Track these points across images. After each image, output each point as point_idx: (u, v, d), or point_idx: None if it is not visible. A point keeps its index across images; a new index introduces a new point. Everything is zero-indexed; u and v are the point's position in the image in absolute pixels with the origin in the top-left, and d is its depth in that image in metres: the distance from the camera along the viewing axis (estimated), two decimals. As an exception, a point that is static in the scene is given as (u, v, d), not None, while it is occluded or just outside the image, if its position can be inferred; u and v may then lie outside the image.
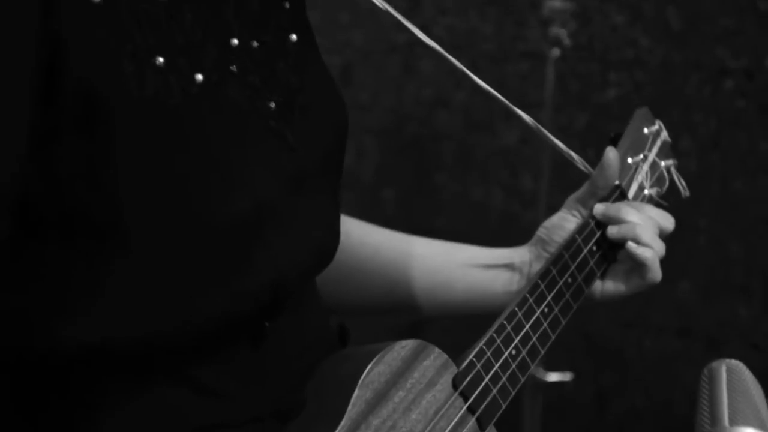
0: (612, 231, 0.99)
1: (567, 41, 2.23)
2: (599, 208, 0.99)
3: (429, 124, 3.11)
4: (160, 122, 0.72)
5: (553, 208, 2.71)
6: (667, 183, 1.13)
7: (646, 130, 1.12)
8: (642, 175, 1.08)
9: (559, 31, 2.23)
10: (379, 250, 1.03)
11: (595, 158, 2.94)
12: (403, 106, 3.09)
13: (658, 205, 1.09)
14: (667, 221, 1.01)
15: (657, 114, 2.86)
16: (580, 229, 1.00)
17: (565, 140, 2.91)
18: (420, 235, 3.11)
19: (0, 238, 0.67)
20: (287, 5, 0.88)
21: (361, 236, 1.02)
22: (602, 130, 2.94)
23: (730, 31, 2.83)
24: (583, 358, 2.93)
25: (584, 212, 1.01)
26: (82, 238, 0.71)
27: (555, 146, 1.02)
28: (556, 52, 2.26)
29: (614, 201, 1.03)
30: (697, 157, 2.92)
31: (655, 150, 1.12)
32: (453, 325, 2.51)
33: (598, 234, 1.01)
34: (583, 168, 1.04)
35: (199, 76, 0.76)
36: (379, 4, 0.89)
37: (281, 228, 0.80)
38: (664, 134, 1.14)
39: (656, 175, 1.11)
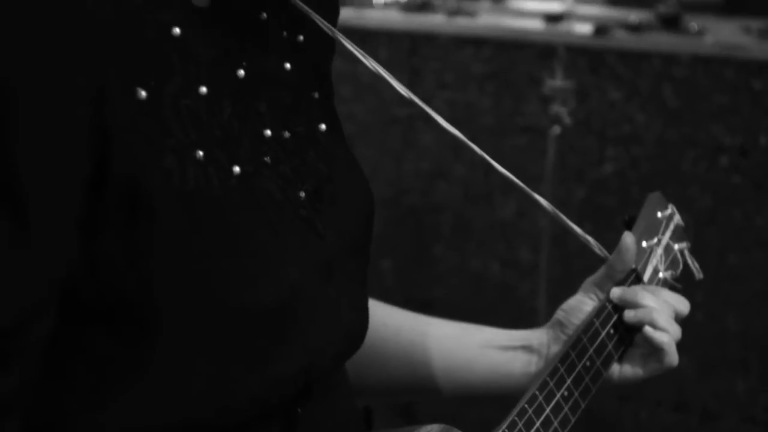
0: (629, 315, 1.00)
1: (567, 119, 2.27)
2: (616, 293, 1.01)
3: (428, 195, 3.14)
4: (200, 213, 0.74)
5: (552, 280, 2.76)
6: (681, 266, 1.15)
7: (659, 214, 1.14)
8: (657, 258, 1.10)
9: (560, 110, 2.27)
10: (400, 332, 1.04)
11: (592, 232, 2.96)
12: (403, 178, 3.12)
13: (672, 288, 1.11)
14: (683, 305, 1.03)
15: (653, 189, 2.90)
16: (598, 312, 1.02)
17: (563, 214, 2.94)
18: (418, 306, 3.12)
19: (46, 326, 0.68)
20: (316, 95, 0.91)
21: (383, 317, 1.03)
22: (599, 204, 2.99)
23: (725, 109, 2.88)
24: (580, 430, 2.93)
25: (601, 295, 1.03)
26: (120, 325, 0.72)
27: (571, 230, 1.04)
28: (556, 129, 2.30)
29: (630, 284, 1.04)
30: (693, 232, 2.95)
31: (668, 233, 1.14)
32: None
33: (615, 317, 1.02)
34: (599, 252, 1.06)
35: (237, 168, 0.77)
36: (383, 74, 0.91)
37: (313, 314, 0.81)
38: (677, 218, 1.16)
39: (670, 258, 1.13)
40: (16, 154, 0.64)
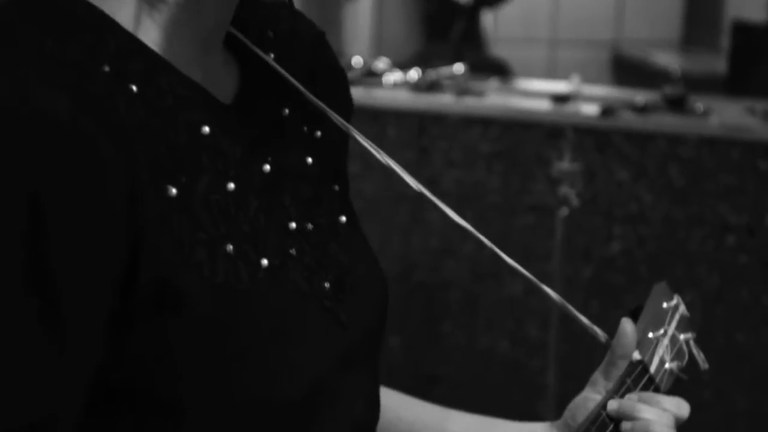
0: (626, 427, 0.99)
1: (575, 201, 2.30)
2: (613, 406, 0.99)
3: (436, 272, 3.15)
4: (228, 306, 0.75)
5: (561, 357, 2.76)
6: (687, 356, 1.15)
7: (665, 305, 1.15)
8: (663, 349, 1.11)
9: (568, 191, 2.30)
10: (414, 425, 1.05)
11: (599, 310, 2.98)
12: (411, 255, 3.14)
13: (678, 379, 1.11)
14: (682, 410, 1.02)
15: (661, 268, 2.92)
16: (593, 420, 1.00)
17: (571, 292, 2.96)
18: (426, 382, 3.12)
19: (73, 422, 0.70)
20: (336, 188, 0.93)
21: (397, 410, 1.03)
22: (607, 282, 3.01)
23: (731, 188, 2.91)
24: None
25: (608, 386, 1.03)
26: (144, 415, 0.73)
27: (575, 317, 1.05)
28: (564, 211, 2.32)
29: (637, 376, 1.04)
30: (700, 311, 2.96)
31: (674, 324, 1.16)
32: None
33: (611, 426, 1.01)
34: (601, 339, 1.07)
35: (264, 261, 0.79)
36: (393, 166, 0.94)
37: (330, 405, 0.82)
38: (683, 308, 1.18)
39: (676, 348, 1.14)
40: (50, 261, 0.65)
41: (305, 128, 0.91)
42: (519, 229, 3.06)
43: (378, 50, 5.71)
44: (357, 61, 3.29)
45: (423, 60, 5.24)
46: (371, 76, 3.23)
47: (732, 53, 4.03)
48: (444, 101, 3.11)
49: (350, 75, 3.15)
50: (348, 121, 0.99)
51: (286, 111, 0.89)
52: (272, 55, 0.90)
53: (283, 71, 0.89)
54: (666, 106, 3.02)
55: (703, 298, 2.97)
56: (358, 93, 3.12)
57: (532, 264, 3.08)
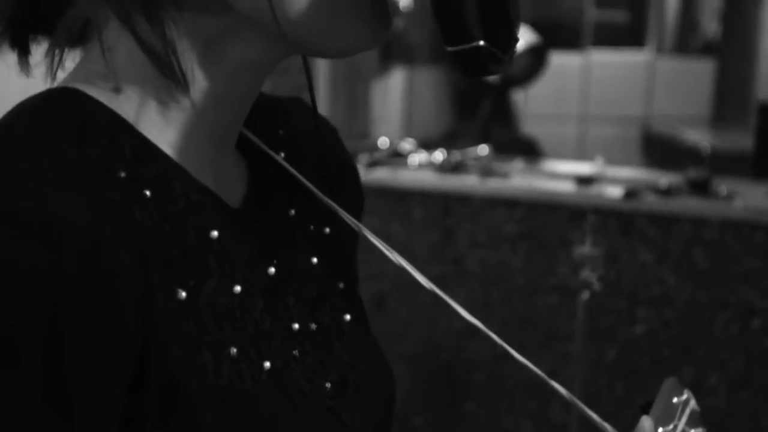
0: None
1: (597, 285, 2.31)
2: None
3: (460, 353, 3.16)
4: (232, 407, 0.77)
5: (583, 442, 2.74)
6: (696, 451, 1.16)
7: (675, 400, 1.16)
8: (673, 444, 1.12)
9: (589, 275, 2.31)
10: None
11: (623, 393, 2.96)
12: (435, 335, 3.15)
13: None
14: None
15: (685, 350, 2.91)
16: None
17: (594, 373, 2.95)
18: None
19: None
20: (341, 285, 0.94)
21: None
22: (631, 365, 3.00)
23: (755, 272, 2.90)
24: None
25: None
26: None
27: (589, 418, 1.06)
28: (585, 294, 2.33)
29: (648, 472, 1.05)
30: (725, 395, 2.94)
31: (684, 419, 1.16)
32: None
33: None
34: (616, 438, 1.07)
35: (267, 363, 0.79)
36: (407, 267, 0.95)
37: None
38: (693, 403, 1.18)
39: (687, 444, 1.14)
40: (65, 366, 0.67)
41: (312, 227, 0.92)
42: (542, 309, 3.07)
43: (408, 129, 5.78)
44: (383, 141, 3.33)
45: (452, 138, 5.30)
46: (397, 156, 3.27)
47: (758, 134, 4.05)
48: (469, 182, 3.14)
49: (376, 155, 3.21)
50: (359, 215, 1.00)
51: (293, 212, 0.90)
52: (282, 154, 0.92)
53: (293, 171, 0.91)
54: (690, 188, 3.03)
55: (728, 382, 2.96)
56: (384, 174, 3.18)
57: (555, 345, 3.09)
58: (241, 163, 0.88)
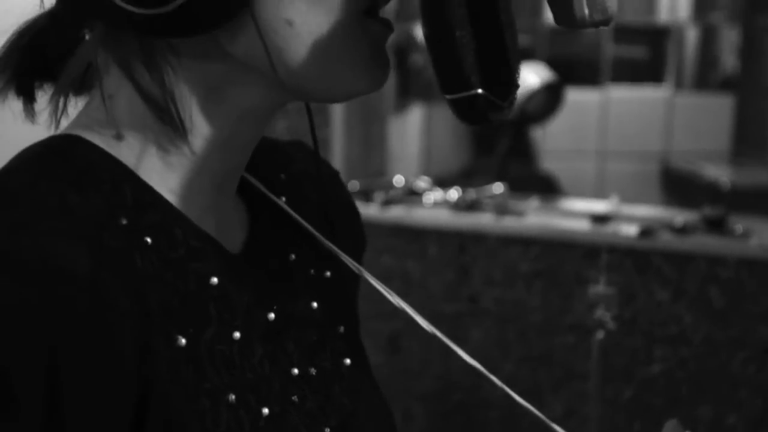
0: None
1: (611, 324, 2.30)
2: None
3: (475, 391, 3.15)
4: None
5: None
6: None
7: (677, 443, 1.16)
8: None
9: (604, 314, 2.30)
10: None
11: (641, 431, 2.93)
12: (450, 374, 3.15)
13: None
14: None
15: (702, 389, 2.89)
16: None
17: (611, 413, 2.93)
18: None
19: None
20: (342, 329, 0.93)
21: None
22: (648, 404, 2.98)
23: (772, 310, 2.89)
24: None
25: None
26: None
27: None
28: (600, 334, 2.33)
29: None
30: (743, 435, 2.92)
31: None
32: None
33: None
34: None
35: (266, 410, 0.79)
36: (408, 310, 0.95)
37: None
38: (695, 449, 1.18)
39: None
40: (64, 413, 0.67)
41: (313, 271, 0.92)
42: (558, 348, 3.06)
43: (426, 165, 5.79)
44: (398, 180, 3.34)
45: (470, 175, 5.31)
46: (412, 194, 3.28)
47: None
48: (484, 220, 3.14)
49: (391, 194, 3.22)
50: (360, 257, 1.00)
51: (293, 256, 0.90)
52: (283, 198, 0.92)
53: (295, 215, 0.91)
54: (706, 226, 3.02)
55: (746, 421, 2.93)
56: (399, 212, 3.19)
57: (571, 384, 3.07)
58: (242, 207, 0.89)
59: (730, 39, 6.28)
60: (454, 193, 3.27)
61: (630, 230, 3.00)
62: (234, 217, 0.87)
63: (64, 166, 0.72)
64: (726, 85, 6.24)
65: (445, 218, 3.17)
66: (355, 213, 1.04)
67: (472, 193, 3.26)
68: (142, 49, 0.73)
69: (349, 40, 0.72)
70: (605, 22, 0.66)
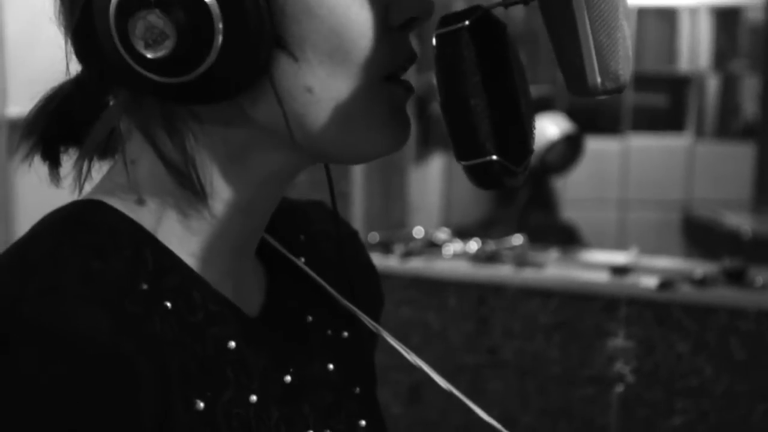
0: None
1: (630, 378, 2.30)
2: None
3: (496, 443, 3.14)
4: None
5: None
6: None
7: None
8: None
9: (623, 368, 2.31)
10: None
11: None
12: (471, 425, 3.14)
13: None
14: None
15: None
16: None
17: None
18: None
19: None
20: (357, 390, 0.94)
21: None
22: (670, 457, 2.96)
23: (793, 363, 2.88)
24: None
25: None
26: None
27: None
28: (620, 387, 2.33)
29: None
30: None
31: None
32: None
33: None
34: None
35: None
36: (424, 368, 0.95)
37: None
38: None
39: None
40: None
41: (330, 332, 0.93)
42: (578, 400, 3.05)
43: (446, 215, 5.81)
44: (418, 231, 3.36)
45: (491, 225, 5.32)
46: (432, 246, 3.30)
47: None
48: (503, 272, 3.15)
49: (411, 246, 3.24)
50: (378, 317, 1.01)
51: (310, 318, 0.91)
52: (302, 259, 0.93)
53: (314, 276, 0.92)
54: (725, 278, 3.02)
55: (768, 474, 2.91)
56: (419, 264, 3.20)
57: (592, 437, 3.06)
58: (260, 269, 0.89)
59: (750, 87, 6.29)
60: (473, 245, 3.29)
61: (650, 282, 3.00)
62: (253, 279, 0.88)
63: (86, 232, 0.73)
64: (747, 133, 6.24)
65: (465, 270, 3.18)
66: (374, 273, 1.04)
67: (491, 245, 3.27)
68: (164, 115, 0.74)
69: (369, 105, 0.73)
70: (618, 90, 0.67)
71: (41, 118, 0.79)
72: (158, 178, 0.76)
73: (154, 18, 0.67)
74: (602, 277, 3.08)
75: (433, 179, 5.77)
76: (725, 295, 2.95)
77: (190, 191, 0.76)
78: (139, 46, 0.68)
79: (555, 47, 0.69)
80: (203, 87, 0.69)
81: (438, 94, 0.71)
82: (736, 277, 3.01)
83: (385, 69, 0.73)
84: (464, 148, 0.69)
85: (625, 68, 0.67)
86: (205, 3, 0.66)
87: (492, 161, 0.69)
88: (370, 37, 0.71)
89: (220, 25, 0.67)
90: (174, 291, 0.75)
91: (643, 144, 6.26)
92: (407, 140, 0.77)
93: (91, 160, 0.79)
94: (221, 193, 0.77)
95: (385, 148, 0.76)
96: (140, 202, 0.77)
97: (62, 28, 0.76)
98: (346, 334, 0.94)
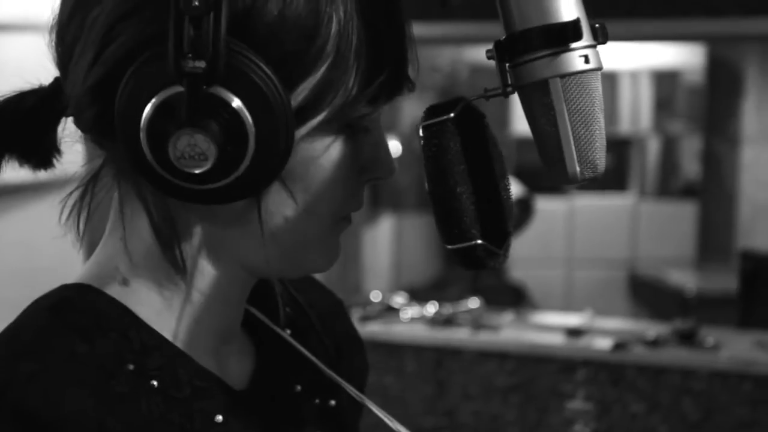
0: None
1: (589, 441, 2.34)
2: None
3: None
4: None
5: None
6: None
7: None
8: None
9: (583, 429, 2.34)
10: None
11: None
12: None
13: None
14: None
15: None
16: None
17: None
18: None
19: None
20: None
21: None
22: None
23: (744, 422, 2.93)
24: None
25: None
26: None
27: None
28: (579, 450, 2.37)
29: None
30: None
31: None
32: None
33: None
34: None
35: None
36: (394, 428, 0.97)
37: None
38: None
39: None
40: None
41: (317, 401, 0.94)
42: (536, 462, 3.08)
43: (397, 276, 5.83)
44: (375, 295, 3.39)
45: (442, 285, 5.36)
46: (389, 310, 3.32)
47: (742, 281, 4.12)
48: (460, 335, 3.19)
49: (368, 310, 3.26)
50: (363, 385, 1.02)
51: (299, 387, 0.92)
52: (288, 331, 0.94)
53: (300, 348, 0.93)
54: (677, 339, 3.08)
55: None
56: (376, 328, 3.22)
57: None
58: (247, 341, 0.91)
59: (690, 147, 6.44)
60: (430, 308, 3.32)
61: (604, 344, 3.05)
62: (240, 352, 0.89)
63: (74, 316, 0.75)
64: (688, 192, 6.38)
65: (422, 333, 3.21)
66: (359, 342, 1.06)
67: (448, 308, 3.31)
68: (154, 197, 0.76)
69: (325, 237, 0.79)
70: (595, 178, 0.72)
71: None
72: (145, 259, 0.78)
73: (201, 140, 0.68)
74: (557, 339, 3.13)
75: (383, 241, 5.81)
76: (677, 355, 3.01)
77: (172, 265, 0.78)
78: (173, 154, 0.69)
79: (535, 136, 0.73)
80: (211, 193, 0.72)
81: (426, 181, 0.75)
82: (687, 338, 3.07)
83: (345, 213, 0.79)
84: (451, 234, 0.73)
85: (601, 157, 0.71)
86: (247, 136, 0.69)
87: (477, 245, 0.73)
88: (346, 190, 0.77)
89: (249, 161, 0.69)
90: (160, 369, 0.77)
91: (588, 204, 6.37)
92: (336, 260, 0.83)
93: (87, 213, 0.81)
94: (204, 271, 0.79)
95: (325, 268, 0.82)
96: (125, 282, 0.79)
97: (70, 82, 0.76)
98: (333, 402, 0.95)
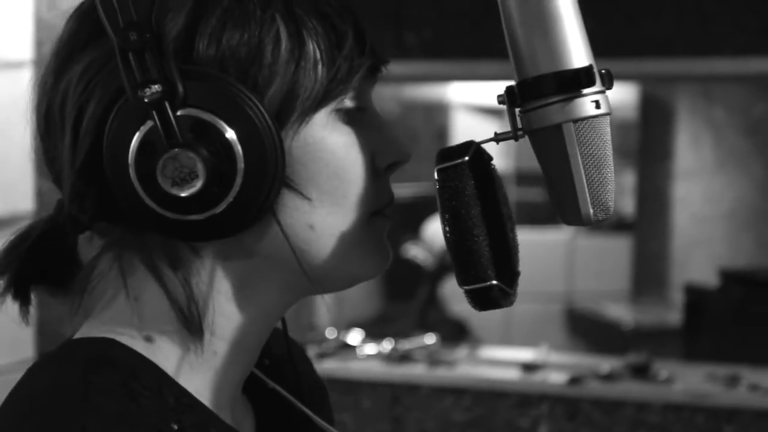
0: None
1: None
2: None
3: None
4: None
5: None
6: None
7: None
8: None
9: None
10: None
11: None
12: None
13: None
14: None
15: None
16: None
17: None
18: None
19: None
20: None
21: None
22: None
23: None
24: None
25: None
26: None
27: None
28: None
29: None
30: None
31: None
32: None
33: None
34: None
35: None
36: None
37: None
38: None
39: None
40: None
41: None
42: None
43: (338, 310, 5.81)
44: (330, 332, 3.38)
45: (386, 321, 5.36)
46: (345, 347, 3.31)
47: (687, 315, 4.20)
48: (416, 372, 3.19)
49: (324, 347, 3.24)
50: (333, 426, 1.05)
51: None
52: (269, 384, 0.95)
53: (294, 400, 0.94)
54: (631, 373, 3.12)
55: None
56: (332, 364, 3.21)
57: None
58: (245, 397, 0.91)
59: (623, 182, 6.55)
60: (386, 345, 3.32)
61: (559, 378, 3.08)
62: (244, 408, 0.90)
63: (111, 372, 0.73)
64: (622, 226, 6.48)
65: (378, 370, 3.21)
66: (324, 389, 1.07)
67: (404, 344, 3.31)
68: (166, 251, 0.75)
69: (361, 238, 0.78)
70: (606, 219, 0.74)
71: (14, 258, 0.78)
72: (163, 316, 0.77)
73: (185, 157, 0.68)
74: (513, 374, 3.15)
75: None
76: (631, 389, 3.05)
77: (188, 330, 0.77)
78: (166, 185, 0.69)
79: (547, 179, 0.75)
80: (213, 224, 0.72)
81: (442, 223, 0.75)
82: (640, 371, 3.11)
83: (374, 207, 0.78)
84: (467, 275, 0.74)
85: (612, 199, 0.73)
86: (230, 144, 0.69)
87: (492, 285, 0.74)
88: (363, 179, 0.77)
89: (242, 166, 0.69)
90: (195, 427, 0.76)
91: (524, 238, 6.34)
92: (387, 266, 0.82)
93: (83, 295, 0.79)
94: (222, 330, 0.79)
95: (374, 272, 0.81)
96: (149, 339, 0.77)
97: (52, 167, 0.76)
98: None
